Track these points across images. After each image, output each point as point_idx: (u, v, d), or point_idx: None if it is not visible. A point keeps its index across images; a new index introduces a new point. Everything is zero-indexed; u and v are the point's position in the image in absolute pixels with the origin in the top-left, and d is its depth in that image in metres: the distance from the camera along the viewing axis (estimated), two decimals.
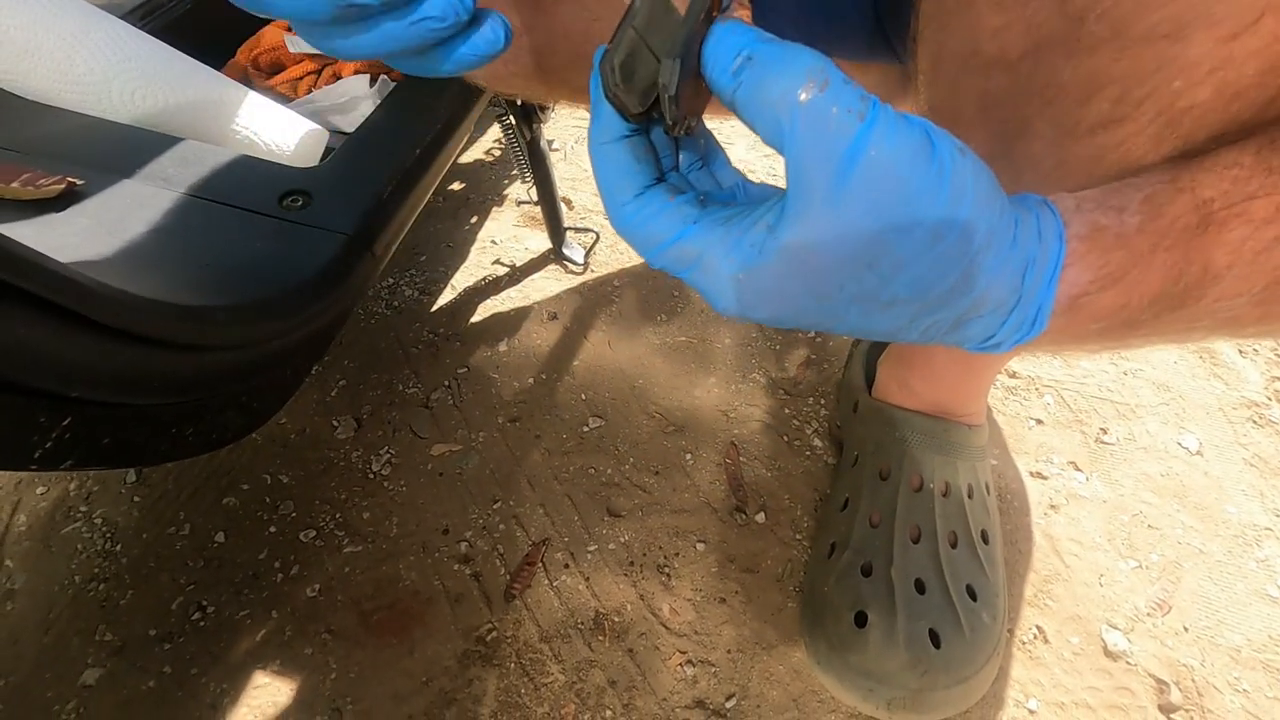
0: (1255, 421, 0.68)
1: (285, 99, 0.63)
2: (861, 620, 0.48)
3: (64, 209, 0.41)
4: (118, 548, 0.59)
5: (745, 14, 0.23)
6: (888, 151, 0.20)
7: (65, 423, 0.31)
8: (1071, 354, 0.26)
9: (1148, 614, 0.56)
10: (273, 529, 0.60)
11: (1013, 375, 0.71)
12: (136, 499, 0.62)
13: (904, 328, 0.24)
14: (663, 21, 0.21)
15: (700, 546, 0.59)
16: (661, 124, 0.23)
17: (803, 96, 0.20)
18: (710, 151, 0.27)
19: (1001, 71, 0.30)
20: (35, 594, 0.57)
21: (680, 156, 0.27)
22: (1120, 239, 0.24)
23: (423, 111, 0.56)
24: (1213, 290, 0.25)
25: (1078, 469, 0.64)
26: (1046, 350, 0.27)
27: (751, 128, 0.22)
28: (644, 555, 0.59)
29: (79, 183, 0.43)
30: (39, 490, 0.63)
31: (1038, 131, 0.30)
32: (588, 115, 0.26)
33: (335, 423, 0.67)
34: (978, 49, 0.31)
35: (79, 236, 0.39)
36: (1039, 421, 0.68)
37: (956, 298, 0.23)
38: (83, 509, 0.62)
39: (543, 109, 0.73)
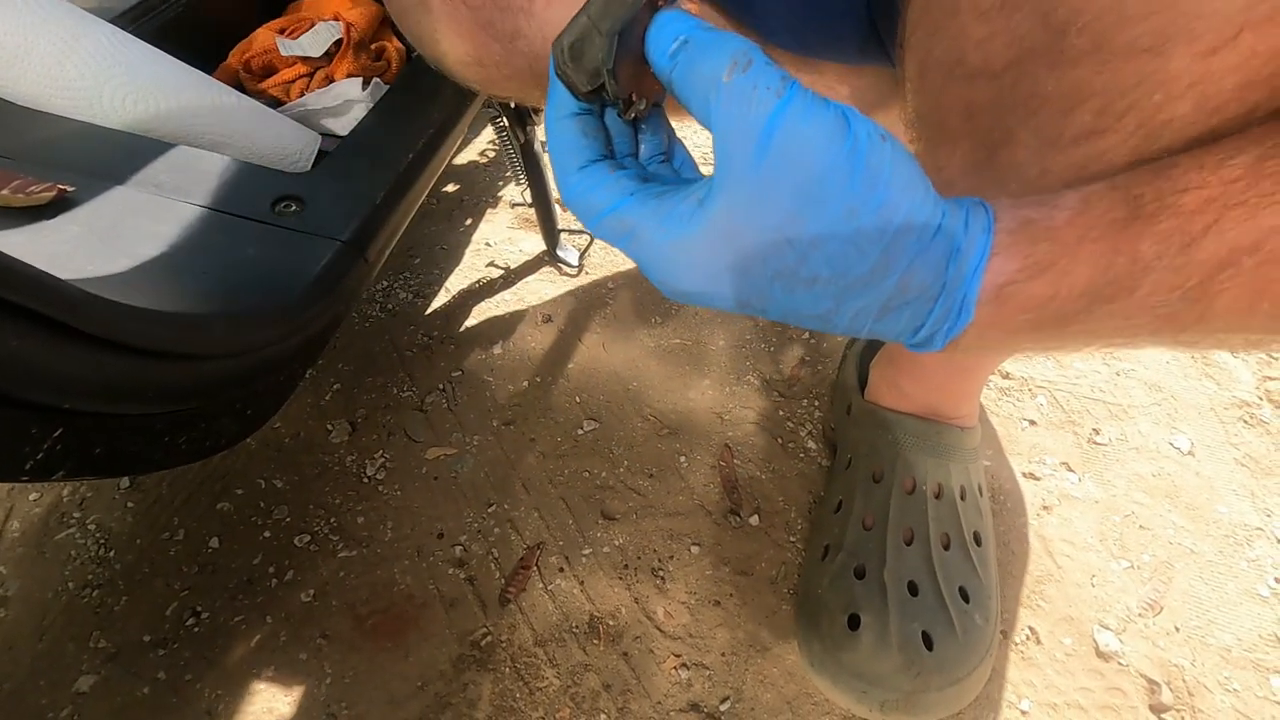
0: (1246, 421, 0.68)
1: (277, 102, 0.63)
2: (855, 622, 0.49)
3: (55, 216, 0.41)
4: (111, 553, 0.59)
5: (692, 6, 0.24)
6: (802, 128, 0.22)
7: (57, 434, 0.31)
8: (1005, 351, 0.27)
9: (1139, 614, 0.56)
10: (267, 534, 0.60)
11: (1006, 376, 0.72)
12: (130, 505, 0.62)
13: (831, 311, 0.25)
14: (614, 9, 0.23)
15: (695, 549, 0.60)
16: (615, 107, 0.25)
17: (726, 77, 0.22)
18: (672, 146, 0.29)
19: (986, 81, 0.30)
20: (29, 600, 0.56)
21: (642, 148, 0.28)
22: (1048, 231, 0.25)
23: (416, 115, 0.56)
24: (1144, 283, 0.25)
25: (1070, 470, 0.65)
26: (980, 347, 0.27)
27: (687, 108, 0.24)
28: (638, 558, 0.59)
29: (70, 189, 0.43)
30: (32, 497, 0.63)
31: (1021, 141, 0.30)
32: None
33: (330, 427, 0.67)
34: (962, 58, 0.31)
35: (70, 245, 0.39)
36: (1032, 422, 0.68)
37: (878, 279, 0.24)
38: (76, 515, 0.62)
39: (536, 111, 0.73)
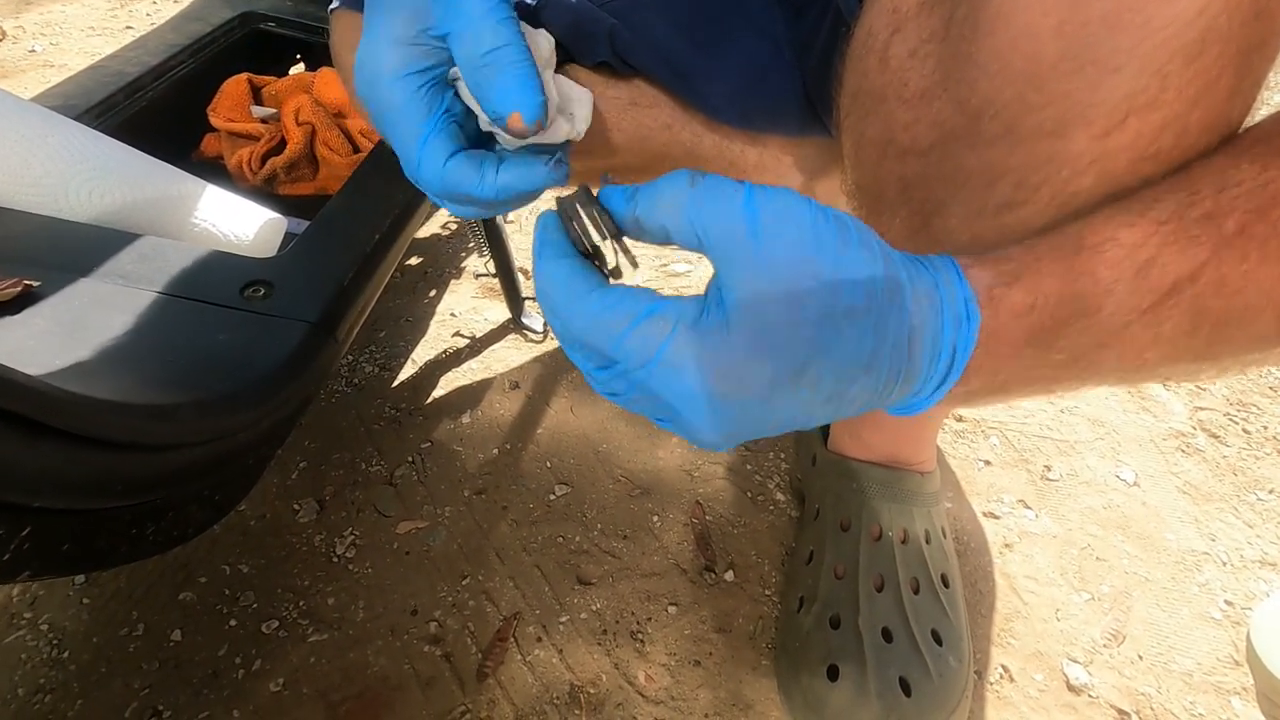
0: (1184, 451, 0.72)
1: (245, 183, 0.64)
2: (834, 673, 0.49)
3: (20, 311, 0.41)
4: (65, 654, 0.56)
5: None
6: (776, 198, 0.25)
7: (24, 533, 0.31)
8: (1009, 384, 0.28)
9: (1104, 645, 0.58)
10: (233, 622, 0.58)
11: (959, 419, 0.75)
12: (85, 601, 0.60)
13: (872, 356, 0.25)
14: (582, 196, 0.27)
15: (672, 609, 0.60)
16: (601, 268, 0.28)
17: (690, 185, 0.25)
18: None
19: (915, 158, 0.34)
20: None
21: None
22: (1005, 257, 0.28)
23: (382, 196, 0.58)
24: (1107, 303, 0.27)
25: (1027, 506, 0.67)
26: (989, 376, 0.29)
27: (650, 236, 0.26)
28: (616, 622, 0.59)
29: (35, 284, 0.43)
30: None
31: (951, 211, 0.34)
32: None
33: (297, 506, 0.66)
34: (893, 139, 0.34)
35: (36, 339, 0.39)
36: (987, 463, 0.71)
37: (896, 296, 0.26)
38: (27, 615, 0.59)
39: None
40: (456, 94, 0.31)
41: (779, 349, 0.24)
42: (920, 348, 0.26)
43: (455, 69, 0.29)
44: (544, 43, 0.30)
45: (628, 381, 0.26)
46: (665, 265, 0.92)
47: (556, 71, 0.49)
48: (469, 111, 0.31)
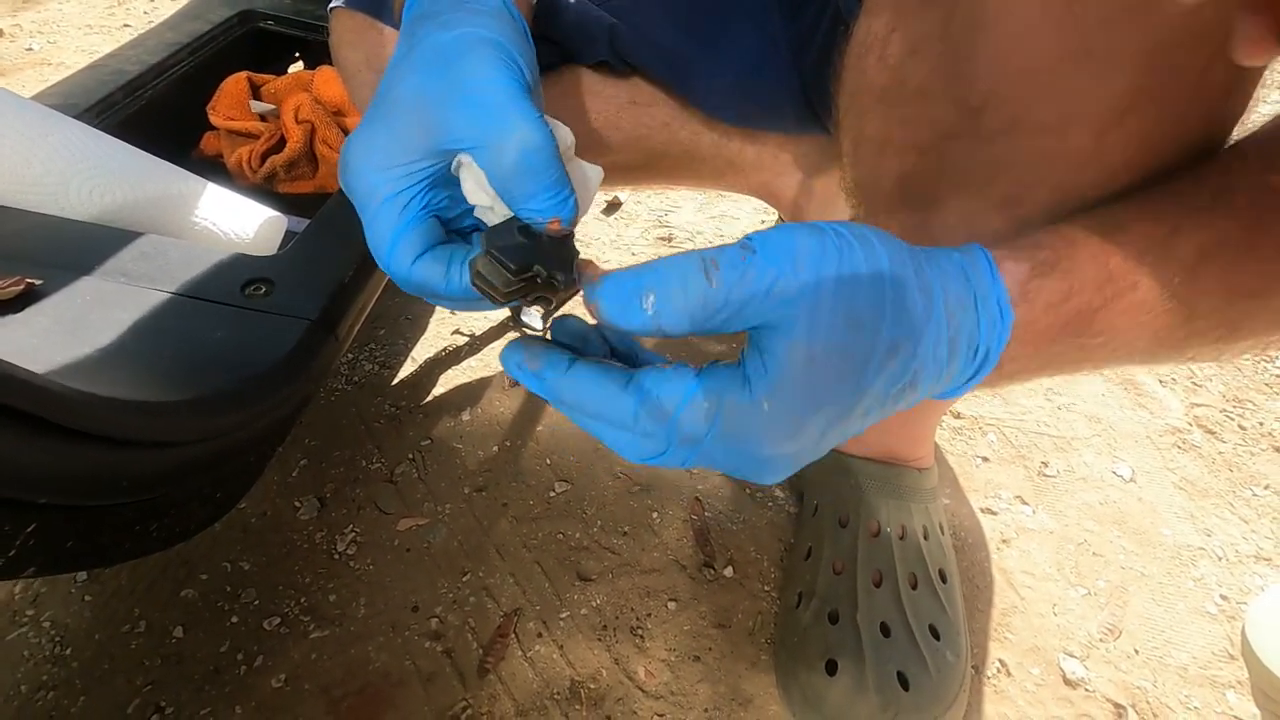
0: (1180, 447, 0.73)
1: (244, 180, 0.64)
2: (832, 668, 0.50)
3: (22, 310, 0.41)
4: (67, 651, 0.57)
5: (593, 269, 0.26)
6: (792, 235, 0.24)
7: (30, 529, 0.31)
8: (1043, 368, 0.28)
9: (1100, 639, 0.58)
10: (234, 619, 0.59)
11: (957, 416, 0.75)
12: (88, 598, 0.60)
13: (909, 359, 0.25)
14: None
15: (672, 605, 0.60)
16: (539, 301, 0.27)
17: (711, 284, 0.23)
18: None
19: (914, 156, 0.34)
20: None
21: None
22: (1037, 244, 0.27)
23: None
24: (1141, 280, 0.27)
25: (1024, 503, 0.68)
26: (1022, 364, 0.28)
27: (674, 334, 0.24)
28: (616, 618, 0.59)
29: (37, 283, 0.43)
30: None
31: (951, 207, 0.34)
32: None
33: (298, 504, 0.66)
34: (891, 136, 0.35)
35: (38, 338, 0.39)
36: (985, 459, 0.71)
37: (931, 303, 0.25)
38: (29, 613, 0.59)
39: None
40: (454, 177, 0.29)
41: (829, 402, 0.24)
42: (956, 352, 0.26)
43: (461, 160, 0.28)
44: (565, 136, 0.30)
45: (679, 458, 0.25)
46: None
47: (554, 74, 0.50)
48: (454, 197, 0.30)
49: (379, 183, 0.28)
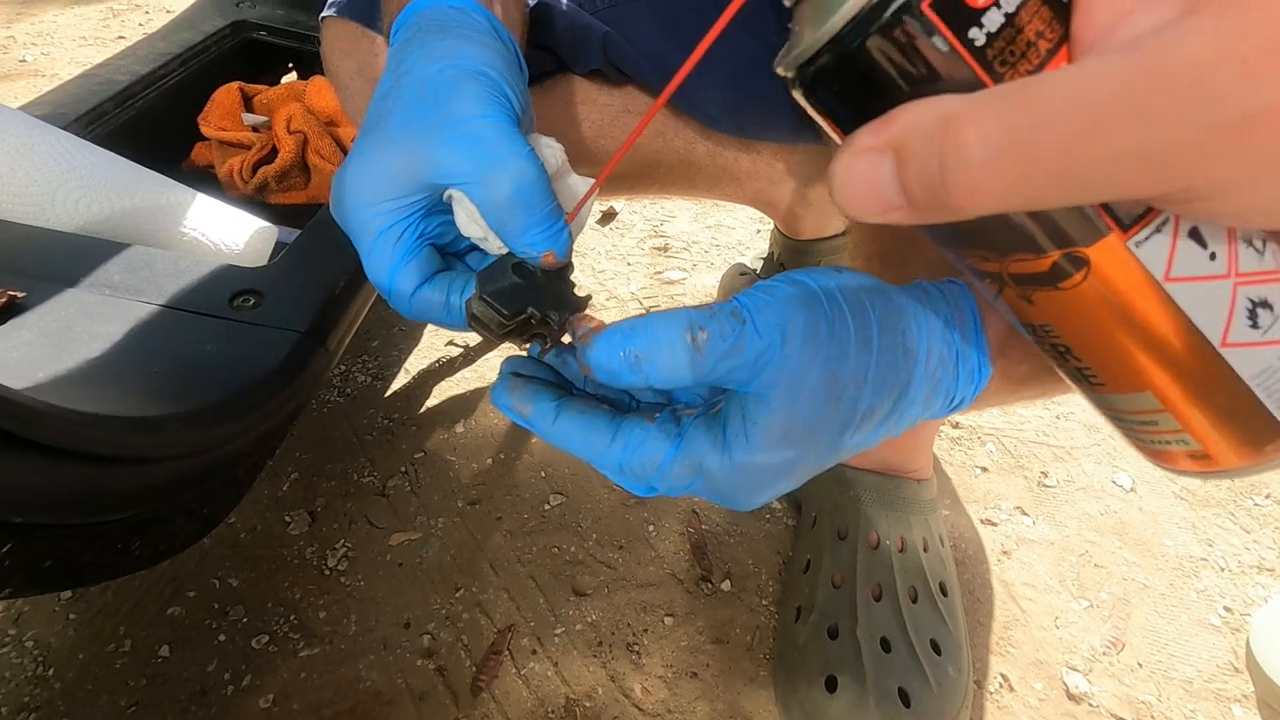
0: None
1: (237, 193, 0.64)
2: (832, 684, 0.49)
3: (4, 322, 0.40)
4: (50, 672, 0.55)
5: (588, 324, 0.26)
6: (775, 287, 0.24)
7: (6, 549, 0.30)
8: (1021, 394, 0.30)
9: (1103, 652, 0.57)
10: (222, 637, 0.57)
11: (955, 426, 0.75)
12: (72, 616, 0.59)
13: (885, 419, 0.26)
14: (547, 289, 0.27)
15: (668, 620, 0.59)
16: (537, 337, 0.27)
17: (699, 351, 0.23)
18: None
19: None
20: None
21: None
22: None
23: None
24: None
25: (1024, 513, 0.67)
26: (1005, 392, 0.30)
27: (659, 390, 0.26)
28: (612, 634, 0.58)
29: (20, 295, 0.42)
30: None
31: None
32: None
33: (288, 518, 0.65)
34: None
35: (21, 351, 0.39)
36: (984, 469, 0.71)
37: (908, 385, 0.26)
38: (11, 632, 0.58)
39: None
40: (446, 207, 0.29)
41: (805, 461, 0.25)
42: (931, 405, 0.27)
43: (453, 194, 0.28)
44: (555, 156, 0.29)
45: (668, 493, 0.27)
46: (660, 273, 0.92)
47: (549, 82, 0.49)
48: (449, 222, 0.29)
49: (371, 217, 0.27)
